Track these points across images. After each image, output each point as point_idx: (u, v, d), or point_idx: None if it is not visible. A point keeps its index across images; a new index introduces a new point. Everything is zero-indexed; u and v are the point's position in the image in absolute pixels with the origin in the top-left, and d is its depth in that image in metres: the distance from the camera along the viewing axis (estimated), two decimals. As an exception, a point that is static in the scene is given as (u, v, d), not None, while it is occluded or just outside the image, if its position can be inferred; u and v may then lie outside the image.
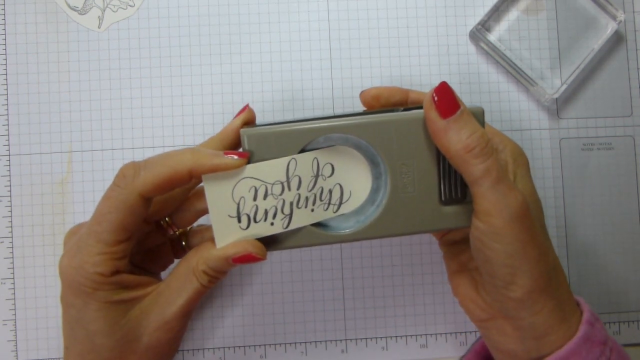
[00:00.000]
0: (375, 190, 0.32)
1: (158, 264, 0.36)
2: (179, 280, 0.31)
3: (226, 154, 0.30)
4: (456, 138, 0.29)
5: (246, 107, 0.34)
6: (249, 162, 0.31)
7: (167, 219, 0.35)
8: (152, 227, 0.35)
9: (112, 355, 0.31)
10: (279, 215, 0.31)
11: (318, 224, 0.32)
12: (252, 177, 0.30)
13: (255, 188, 0.31)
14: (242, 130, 0.31)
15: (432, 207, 0.32)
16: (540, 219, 0.34)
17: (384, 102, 0.37)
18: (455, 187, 0.32)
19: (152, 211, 0.33)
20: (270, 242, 0.32)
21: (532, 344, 0.32)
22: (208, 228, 0.37)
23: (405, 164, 0.32)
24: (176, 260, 0.38)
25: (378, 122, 0.31)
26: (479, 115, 0.31)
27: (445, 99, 0.29)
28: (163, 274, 0.37)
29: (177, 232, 0.36)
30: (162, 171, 0.30)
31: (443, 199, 0.32)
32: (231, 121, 0.33)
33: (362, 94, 0.37)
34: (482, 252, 0.31)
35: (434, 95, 0.30)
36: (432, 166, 0.32)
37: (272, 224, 0.31)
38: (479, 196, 0.29)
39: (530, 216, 0.30)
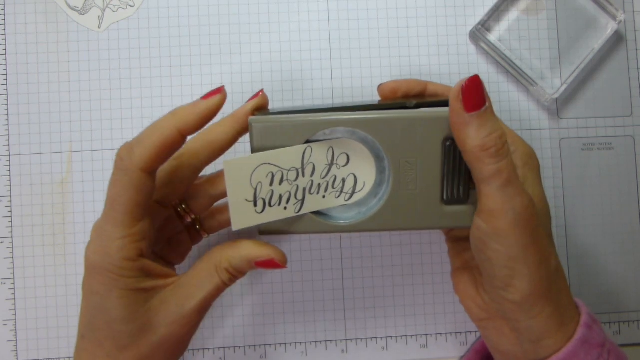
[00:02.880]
0: (378, 184, 0.33)
1: (177, 253, 0.37)
2: (201, 275, 0.32)
3: (203, 98, 0.31)
4: (475, 134, 0.29)
5: (260, 93, 0.34)
6: (257, 151, 0.31)
7: (183, 206, 0.36)
8: (170, 212, 0.35)
9: (130, 343, 0.31)
10: (292, 200, 0.32)
11: (320, 213, 0.33)
12: (270, 164, 0.32)
13: (273, 174, 0.32)
14: (250, 118, 0.32)
15: (433, 205, 0.32)
16: (546, 225, 0.33)
17: (401, 95, 0.37)
18: (458, 188, 0.32)
19: (164, 193, 0.34)
20: (269, 226, 0.33)
21: (530, 347, 0.32)
22: (220, 209, 0.38)
23: (408, 161, 0.32)
24: (194, 249, 0.38)
25: (385, 119, 0.31)
26: None
27: (473, 93, 0.29)
28: (182, 267, 0.37)
29: (193, 219, 0.37)
30: (153, 140, 0.30)
31: (445, 198, 0.32)
32: (244, 104, 0.34)
33: (380, 87, 0.37)
34: (483, 252, 0.31)
35: (464, 86, 0.29)
36: (436, 166, 0.32)
37: (285, 208, 0.32)
38: (486, 195, 0.29)
39: (534, 221, 0.29)
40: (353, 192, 0.33)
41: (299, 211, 0.32)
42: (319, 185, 0.32)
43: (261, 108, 0.34)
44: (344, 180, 0.33)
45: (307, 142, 0.32)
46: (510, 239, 0.29)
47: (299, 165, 0.32)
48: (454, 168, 0.32)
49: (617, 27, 0.43)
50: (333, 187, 0.33)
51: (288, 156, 0.32)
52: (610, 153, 0.43)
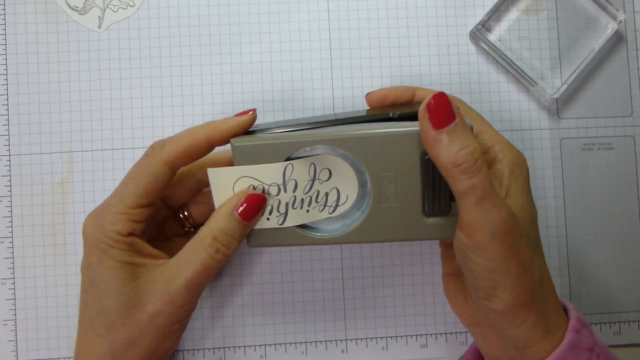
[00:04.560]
0: (361, 197, 0.33)
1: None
2: (187, 253, 0.33)
3: (236, 115, 0.34)
4: (446, 151, 0.29)
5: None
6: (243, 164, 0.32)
7: (185, 212, 0.38)
8: (170, 213, 0.37)
9: (117, 319, 0.32)
10: (275, 213, 0.33)
11: (305, 226, 0.34)
12: (250, 177, 0.33)
13: (254, 186, 0.33)
14: (231, 140, 0.33)
15: (414, 218, 0.32)
16: (530, 234, 0.33)
17: (389, 104, 0.37)
18: (438, 201, 0.32)
19: (171, 193, 0.36)
20: (257, 238, 0.34)
21: (516, 354, 0.32)
22: None
23: (387, 176, 0.32)
24: None
25: (360, 137, 0.32)
26: None
27: (440, 110, 0.29)
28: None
29: (192, 226, 0.38)
30: (184, 141, 0.33)
31: (426, 210, 0.32)
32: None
33: (367, 96, 0.38)
34: (465, 264, 0.31)
35: (429, 104, 0.29)
36: (416, 180, 0.32)
37: (268, 219, 0.33)
38: (463, 210, 0.29)
39: (514, 233, 0.29)
40: (337, 205, 0.33)
41: (282, 223, 0.33)
42: (302, 200, 0.33)
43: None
44: (327, 194, 0.33)
45: (289, 158, 0.33)
46: (489, 252, 0.29)
47: (280, 182, 0.33)
48: (434, 181, 0.32)
49: (617, 27, 0.43)
50: (316, 202, 0.33)
51: (268, 172, 0.32)
52: (610, 153, 0.43)
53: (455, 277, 0.36)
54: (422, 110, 0.29)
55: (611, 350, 0.32)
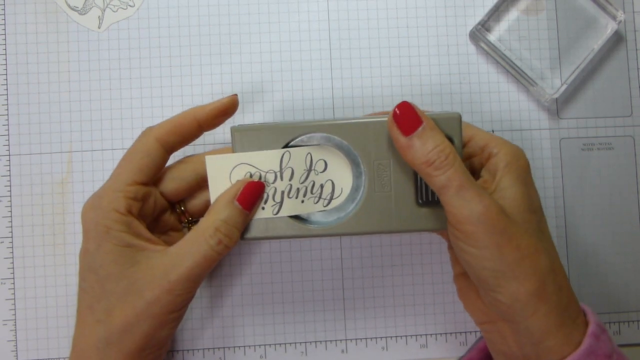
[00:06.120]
0: (355, 189, 0.34)
1: None
2: (188, 243, 0.33)
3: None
4: (418, 154, 0.30)
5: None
6: (239, 150, 0.33)
7: (182, 207, 0.38)
8: (168, 206, 0.37)
9: (117, 303, 0.32)
10: (270, 202, 0.34)
11: (299, 218, 0.34)
12: (248, 164, 0.33)
13: (251, 174, 0.34)
14: (231, 127, 0.34)
15: (408, 208, 0.33)
16: (529, 222, 0.32)
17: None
18: (432, 190, 0.33)
19: (170, 187, 0.36)
20: (251, 230, 0.34)
21: (531, 350, 0.31)
22: None
23: (382, 164, 0.33)
24: None
25: (356, 124, 0.33)
26: (454, 122, 0.32)
27: (406, 117, 0.31)
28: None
29: (188, 221, 0.38)
30: (172, 120, 0.35)
31: (420, 201, 0.33)
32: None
33: None
34: (462, 257, 0.31)
35: (394, 114, 0.31)
36: (409, 169, 0.33)
37: (263, 208, 0.34)
38: (446, 204, 0.30)
39: (501, 220, 0.29)
40: (331, 198, 0.34)
41: (277, 213, 0.34)
42: (298, 189, 0.34)
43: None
44: (322, 186, 0.34)
45: (287, 148, 0.33)
46: (480, 240, 0.29)
47: (277, 169, 0.33)
48: None
49: (617, 27, 0.43)
50: (312, 193, 0.34)
51: (266, 159, 0.33)
52: (610, 153, 0.43)
53: (465, 276, 0.36)
54: (389, 120, 0.31)
55: (628, 358, 0.32)
